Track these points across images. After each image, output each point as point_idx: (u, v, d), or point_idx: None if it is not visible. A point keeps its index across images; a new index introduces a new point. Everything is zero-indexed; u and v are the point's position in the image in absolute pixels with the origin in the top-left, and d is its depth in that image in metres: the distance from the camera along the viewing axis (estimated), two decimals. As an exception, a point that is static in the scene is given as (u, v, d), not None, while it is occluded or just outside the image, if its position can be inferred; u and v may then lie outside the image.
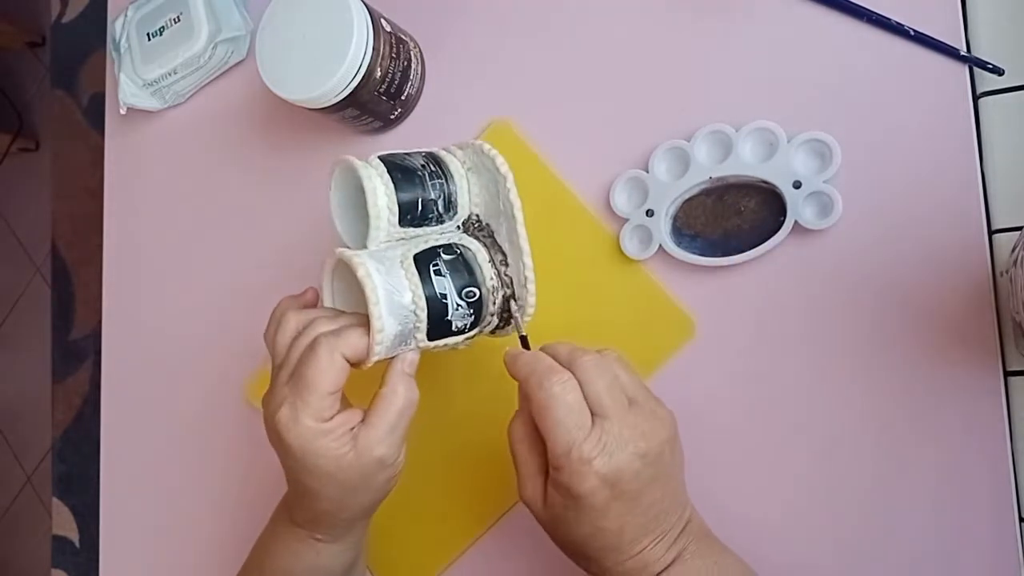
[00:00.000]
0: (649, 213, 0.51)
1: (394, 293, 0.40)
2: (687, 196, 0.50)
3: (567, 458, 0.36)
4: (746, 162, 0.49)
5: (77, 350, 0.80)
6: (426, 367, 0.56)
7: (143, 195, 0.70)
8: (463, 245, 0.44)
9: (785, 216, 0.48)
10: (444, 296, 0.42)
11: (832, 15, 0.49)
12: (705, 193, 0.50)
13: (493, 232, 0.45)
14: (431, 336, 0.42)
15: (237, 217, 0.66)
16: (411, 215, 0.44)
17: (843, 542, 0.47)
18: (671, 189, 0.50)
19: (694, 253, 0.50)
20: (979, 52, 0.46)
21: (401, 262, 0.42)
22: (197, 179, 0.68)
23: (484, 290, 0.43)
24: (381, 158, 0.44)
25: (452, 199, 0.45)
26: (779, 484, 0.49)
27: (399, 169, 0.44)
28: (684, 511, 0.41)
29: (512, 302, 0.44)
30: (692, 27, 0.52)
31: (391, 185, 0.43)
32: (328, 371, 0.39)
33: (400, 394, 0.41)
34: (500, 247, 0.45)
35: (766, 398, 0.49)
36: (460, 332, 0.43)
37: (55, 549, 0.77)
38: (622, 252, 0.52)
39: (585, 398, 0.38)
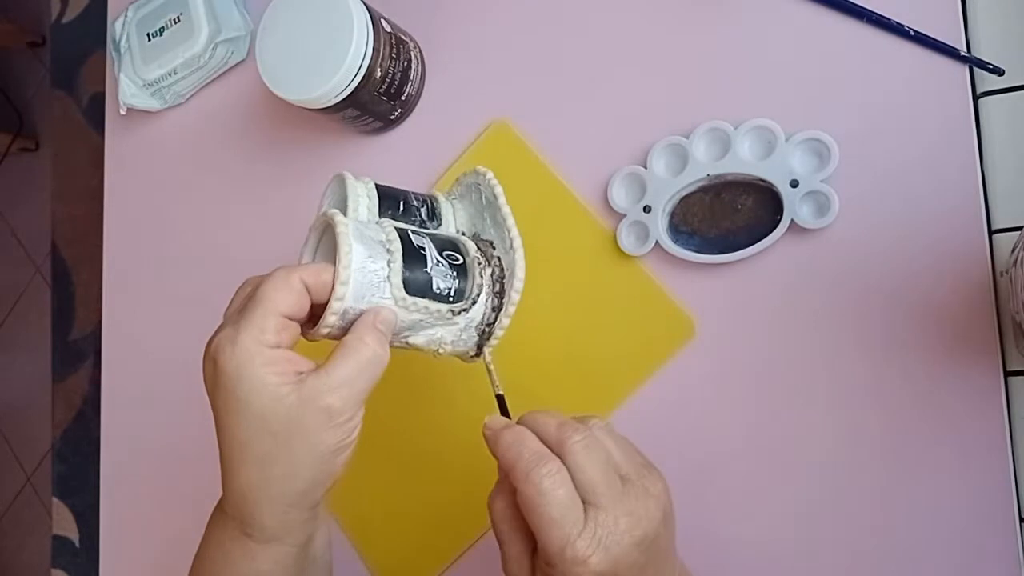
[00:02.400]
0: (647, 209, 0.51)
1: (366, 231, 0.38)
2: (685, 193, 0.51)
3: (561, 557, 0.33)
4: (744, 160, 0.49)
5: (77, 350, 0.80)
6: (425, 369, 0.57)
7: (143, 195, 0.70)
8: (443, 232, 0.43)
9: (782, 215, 0.48)
10: (422, 248, 0.39)
11: (832, 15, 0.49)
12: (703, 190, 0.50)
13: (479, 234, 0.45)
14: (409, 288, 0.38)
15: (237, 217, 0.66)
16: (392, 211, 0.43)
17: (842, 541, 0.47)
18: (669, 185, 0.50)
19: (691, 250, 0.50)
20: (979, 52, 0.46)
21: (378, 223, 0.40)
22: (197, 179, 0.68)
23: (468, 259, 0.41)
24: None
25: (436, 211, 0.45)
26: (776, 482, 0.49)
27: (383, 187, 0.44)
28: (672, 574, 0.38)
29: (485, 349, 0.42)
30: (693, 25, 0.52)
31: (372, 185, 0.43)
32: (281, 288, 0.35)
33: (367, 344, 0.35)
34: (487, 241, 0.44)
35: (763, 398, 0.49)
36: (444, 299, 0.39)
37: (55, 549, 0.77)
38: (619, 248, 0.52)
39: (576, 485, 0.34)
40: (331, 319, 0.36)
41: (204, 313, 0.66)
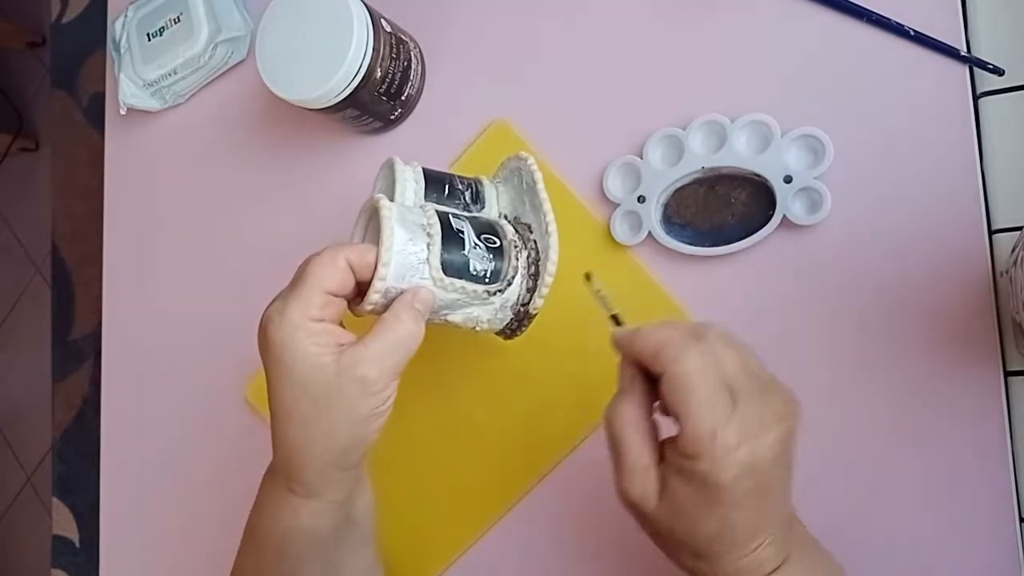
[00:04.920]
0: (641, 199, 0.51)
1: (409, 215, 0.40)
2: (679, 184, 0.51)
3: (710, 443, 0.32)
4: (739, 154, 0.49)
5: (77, 350, 0.80)
6: (431, 364, 0.56)
7: (143, 195, 0.70)
8: (484, 216, 0.45)
9: (774, 210, 0.48)
10: (461, 231, 0.41)
11: (832, 15, 0.49)
12: (697, 183, 0.50)
13: (519, 218, 0.46)
14: (447, 269, 0.40)
15: (237, 217, 0.66)
16: (437, 195, 0.45)
17: (841, 541, 0.47)
18: (664, 177, 0.50)
19: (683, 242, 0.50)
20: (979, 52, 0.46)
21: (422, 207, 0.42)
22: (197, 179, 0.68)
23: (505, 242, 0.43)
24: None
25: (480, 194, 0.46)
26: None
27: (430, 171, 0.46)
28: (791, 508, 0.38)
29: (594, 281, 0.41)
30: (692, 20, 0.52)
31: (420, 170, 0.45)
32: (327, 267, 0.38)
33: (404, 322, 0.38)
34: (525, 224, 0.45)
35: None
36: (481, 280, 0.41)
37: (55, 549, 0.77)
38: (612, 238, 0.52)
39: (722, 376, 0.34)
40: (374, 297, 0.39)
41: (204, 312, 0.67)
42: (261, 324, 0.38)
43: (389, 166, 0.45)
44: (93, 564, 0.70)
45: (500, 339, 0.46)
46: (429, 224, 0.40)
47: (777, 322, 0.49)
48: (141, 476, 0.68)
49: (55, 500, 0.78)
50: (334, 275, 0.38)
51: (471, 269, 0.41)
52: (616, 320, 0.41)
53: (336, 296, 0.39)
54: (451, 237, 0.40)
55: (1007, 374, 0.45)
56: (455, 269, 0.40)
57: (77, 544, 0.77)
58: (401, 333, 0.38)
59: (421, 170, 0.45)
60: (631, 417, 0.35)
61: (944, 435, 0.45)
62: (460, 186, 0.46)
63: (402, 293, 0.39)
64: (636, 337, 0.36)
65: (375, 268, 0.38)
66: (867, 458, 0.47)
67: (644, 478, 0.35)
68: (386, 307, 0.39)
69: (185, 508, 0.66)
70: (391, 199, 0.43)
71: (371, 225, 0.43)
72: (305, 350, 0.37)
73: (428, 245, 0.40)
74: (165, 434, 0.67)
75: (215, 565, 0.63)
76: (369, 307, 0.40)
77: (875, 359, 0.47)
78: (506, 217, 0.47)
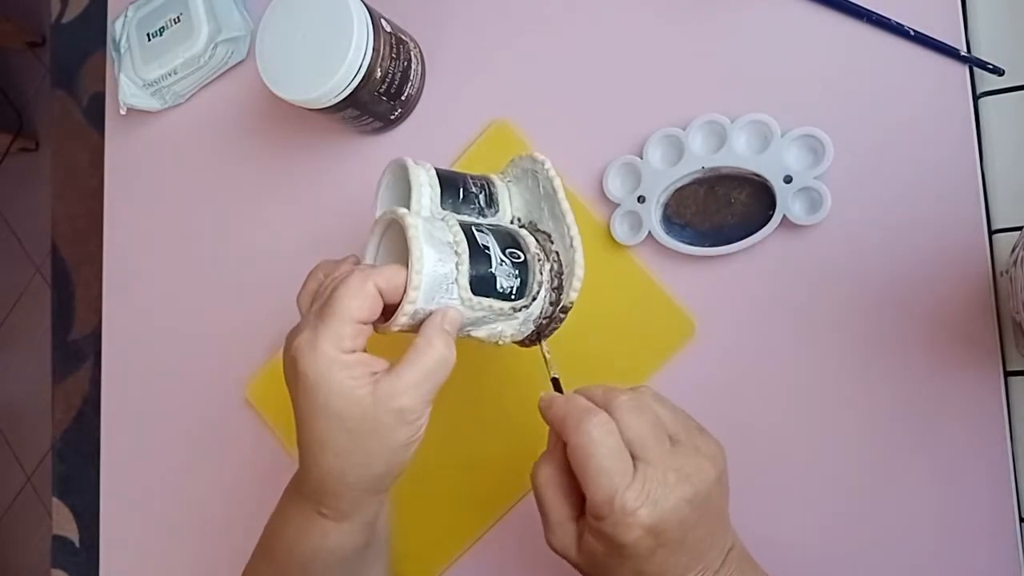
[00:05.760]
0: (641, 199, 0.51)
1: (434, 231, 0.39)
2: (679, 185, 0.51)
3: (609, 508, 0.34)
4: (739, 154, 0.49)
5: (77, 350, 0.80)
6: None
7: (143, 195, 0.70)
8: (504, 225, 0.44)
9: (774, 210, 0.48)
10: (487, 248, 0.40)
11: (832, 15, 0.49)
12: (697, 183, 0.50)
13: (536, 224, 0.45)
14: (475, 288, 0.39)
15: (237, 217, 0.66)
16: (453, 200, 0.43)
17: (841, 541, 0.47)
18: (664, 177, 0.50)
19: (683, 242, 0.50)
20: (979, 52, 0.46)
21: (444, 219, 0.41)
22: (197, 179, 0.68)
23: (529, 256, 0.42)
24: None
25: (494, 197, 0.45)
26: (773, 481, 0.49)
27: (443, 172, 0.44)
28: (727, 540, 0.39)
29: (543, 344, 0.43)
30: (693, 21, 0.52)
31: (433, 173, 0.43)
32: (357, 295, 0.37)
33: (436, 347, 0.37)
34: (545, 233, 0.44)
35: (753, 396, 0.49)
36: (507, 297, 0.41)
37: (55, 549, 0.77)
38: (612, 238, 0.52)
39: (625, 442, 0.36)
40: (402, 319, 0.38)
41: (204, 312, 0.67)
42: (289, 356, 0.38)
43: (400, 167, 0.44)
44: (93, 564, 0.70)
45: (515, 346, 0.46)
46: (456, 242, 0.39)
47: (777, 322, 0.49)
48: (141, 476, 0.68)
49: (55, 500, 0.78)
50: (364, 303, 0.37)
51: (498, 287, 0.40)
52: (556, 384, 0.42)
53: (366, 324, 0.38)
54: (478, 254, 0.39)
55: (1007, 374, 0.45)
56: (483, 288, 0.39)
57: (77, 544, 0.77)
58: (434, 358, 0.38)
59: (435, 172, 0.44)
60: (552, 476, 0.38)
61: (944, 435, 0.45)
62: (474, 188, 0.45)
63: (430, 314, 0.39)
64: (550, 407, 0.38)
65: (404, 291, 0.37)
66: (866, 458, 0.47)
67: (563, 532, 0.38)
68: (413, 327, 0.39)
69: (185, 508, 0.66)
70: (402, 204, 0.42)
71: (387, 235, 0.42)
72: (340, 384, 0.36)
73: (456, 265, 0.39)
74: (165, 434, 0.67)
75: (215, 565, 0.64)
76: (395, 328, 0.39)
77: (875, 359, 0.47)
78: (519, 220, 0.46)
